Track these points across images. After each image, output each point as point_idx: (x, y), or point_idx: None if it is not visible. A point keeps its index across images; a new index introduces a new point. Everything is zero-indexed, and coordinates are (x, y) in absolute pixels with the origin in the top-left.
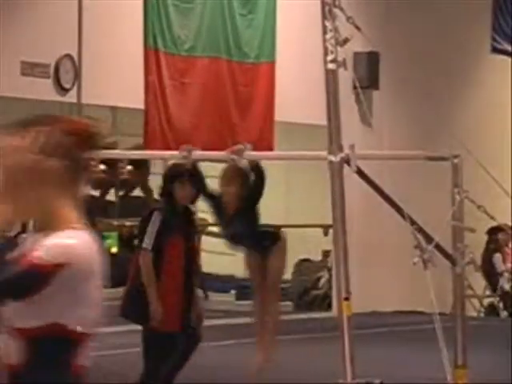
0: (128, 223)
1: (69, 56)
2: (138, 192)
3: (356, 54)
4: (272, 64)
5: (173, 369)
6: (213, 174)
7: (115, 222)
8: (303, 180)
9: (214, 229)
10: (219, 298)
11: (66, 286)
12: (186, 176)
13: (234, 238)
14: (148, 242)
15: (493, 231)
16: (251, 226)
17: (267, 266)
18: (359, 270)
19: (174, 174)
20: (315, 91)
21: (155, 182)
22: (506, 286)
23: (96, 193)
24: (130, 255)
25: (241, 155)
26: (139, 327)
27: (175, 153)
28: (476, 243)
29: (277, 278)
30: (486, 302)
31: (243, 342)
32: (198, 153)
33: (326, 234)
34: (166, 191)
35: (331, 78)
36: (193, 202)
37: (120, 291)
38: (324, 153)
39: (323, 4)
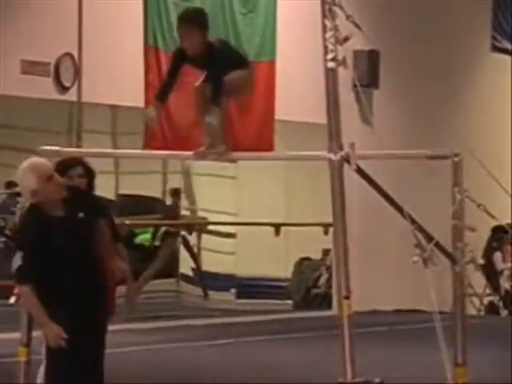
0: (128, 222)
1: (69, 55)
2: (138, 191)
3: (356, 53)
4: (272, 63)
5: None
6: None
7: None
8: (303, 178)
9: (214, 227)
10: (219, 296)
11: None
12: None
13: None
14: None
15: (495, 230)
16: None
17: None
18: (359, 269)
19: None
20: (315, 90)
21: (153, 180)
22: (506, 285)
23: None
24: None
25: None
26: (138, 326)
27: (174, 152)
28: (477, 242)
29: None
30: (486, 300)
31: (243, 341)
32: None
33: (326, 232)
34: None
35: (331, 77)
36: None
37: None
38: (324, 152)
39: (323, 3)
